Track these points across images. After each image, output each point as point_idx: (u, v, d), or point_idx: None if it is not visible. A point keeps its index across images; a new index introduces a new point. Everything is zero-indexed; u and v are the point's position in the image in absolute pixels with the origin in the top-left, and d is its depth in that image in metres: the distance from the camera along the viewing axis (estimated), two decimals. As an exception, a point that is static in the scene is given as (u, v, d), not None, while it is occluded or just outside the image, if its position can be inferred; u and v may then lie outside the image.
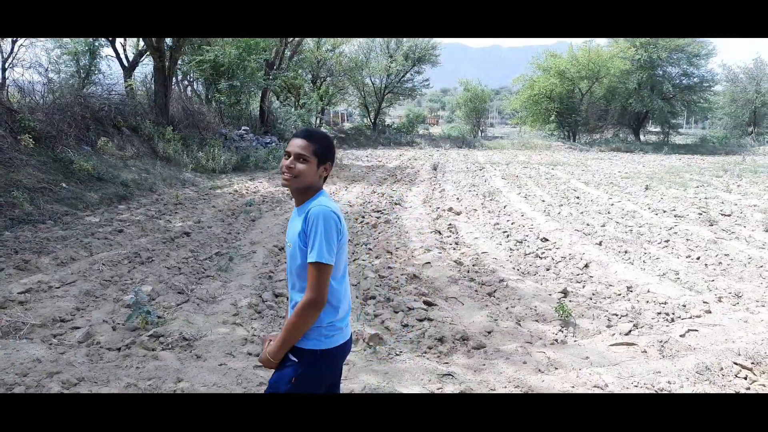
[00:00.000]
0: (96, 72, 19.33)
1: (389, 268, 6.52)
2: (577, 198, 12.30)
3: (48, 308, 4.79)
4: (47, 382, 3.47)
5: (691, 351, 4.24)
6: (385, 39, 36.27)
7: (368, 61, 35.57)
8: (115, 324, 4.60)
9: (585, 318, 5.11)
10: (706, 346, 4.33)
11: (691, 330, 4.69)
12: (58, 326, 4.51)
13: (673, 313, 5.16)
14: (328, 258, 1.98)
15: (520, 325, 4.93)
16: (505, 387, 3.68)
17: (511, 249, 7.76)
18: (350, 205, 10.98)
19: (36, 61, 18.79)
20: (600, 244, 7.85)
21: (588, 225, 9.15)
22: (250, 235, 8.19)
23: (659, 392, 3.56)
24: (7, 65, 17.67)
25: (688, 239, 8.03)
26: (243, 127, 20.49)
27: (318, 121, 30.18)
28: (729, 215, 9.83)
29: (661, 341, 4.37)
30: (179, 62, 18.60)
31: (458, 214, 10.46)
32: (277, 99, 28.93)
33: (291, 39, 24.24)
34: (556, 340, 4.62)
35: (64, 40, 19.35)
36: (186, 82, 24.42)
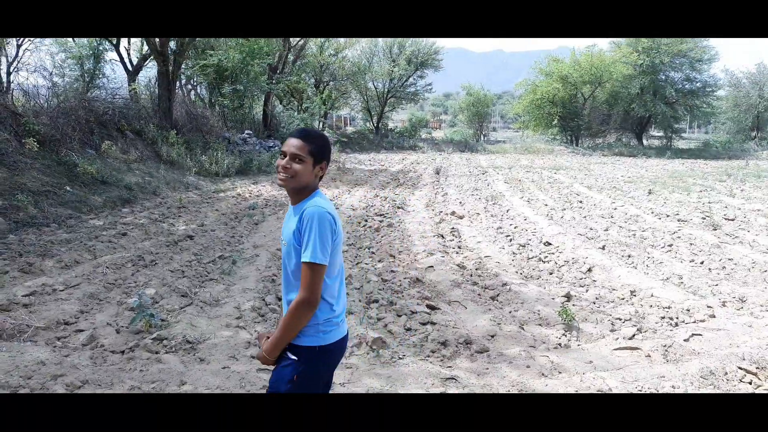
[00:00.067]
0: (100, 76, 19.46)
1: (392, 271, 6.52)
2: (580, 202, 12.29)
3: (52, 311, 4.80)
4: (51, 384, 3.48)
5: (696, 355, 4.23)
6: (388, 43, 36.41)
7: (371, 66, 35.69)
8: (119, 327, 4.60)
9: (588, 322, 5.10)
10: (711, 351, 4.32)
11: (696, 334, 4.67)
12: (62, 329, 4.52)
13: (677, 318, 5.14)
14: (322, 258, 1.99)
15: (523, 329, 4.92)
16: (508, 391, 3.67)
17: (514, 253, 7.75)
18: (353, 209, 10.99)
19: (41, 65, 18.92)
20: (603, 248, 7.83)
21: (591, 229, 9.14)
22: (253, 238, 8.20)
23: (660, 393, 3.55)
24: (12, 69, 17.80)
25: (691, 243, 8.02)
26: (246, 131, 20.55)
27: (321, 125, 30.24)
28: (733, 219, 9.80)
29: (665, 345, 4.36)
30: (183, 66, 18.69)
31: (461, 218, 10.46)
32: (280, 103, 29.02)
33: (294, 43, 24.34)
34: (560, 344, 4.61)
35: (69, 44, 19.49)
36: (189, 86, 24.55)
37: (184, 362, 4.01)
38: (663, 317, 5.18)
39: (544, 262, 7.30)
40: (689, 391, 3.60)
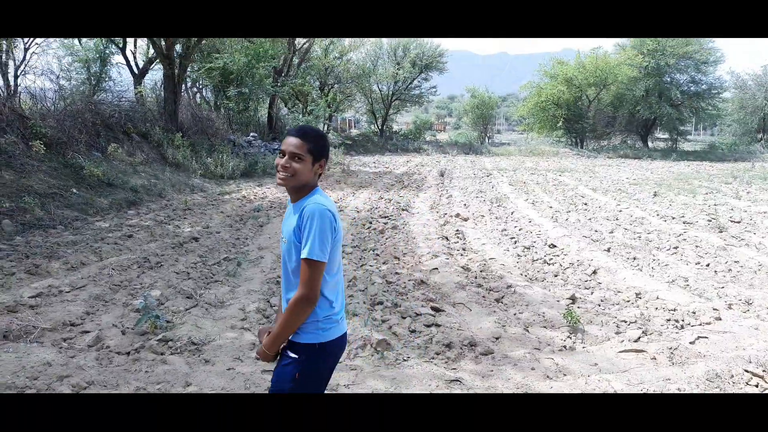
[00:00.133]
0: (106, 79, 19.56)
1: (396, 273, 6.52)
2: (585, 204, 12.26)
3: (58, 312, 4.83)
4: (57, 385, 3.50)
5: (701, 358, 4.21)
6: (393, 46, 36.45)
7: (375, 68, 35.71)
8: (125, 328, 4.63)
9: (593, 324, 5.09)
10: (717, 354, 4.30)
11: (701, 337, 4.65)
12: (68, 330, 4.55)
13: (683, 320, 5.12)
14: (321, 255, 2.00)
15: (528, 331, 4.91)
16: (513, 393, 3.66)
17: (518, 255, 7.74)
18: (357, 211, 11.00)
19: (47, 69, 19.05)
20: (608, 250, 7.81)
21: (596, 231, 9.12)
22: (258, 240, 8.22)
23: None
24: (19, 72, 17.91)
25: (697, 246, 7.98)
26: (251, 134, 20.63)
27: (326, 128, 30.29)
28: (739, 222, 9.76)
29: (670, 348, 4.34)
30: (188, 69, 18.79)
31: (465, 220, 10.45)
32: (285, 106, 29.11)
33: (299, 46, 24.42)
34: (565, 347, 4.60)
35: (76, 47, 19.61)
36: (195, 89, 24.65)
37: (190, 363, 4.02)
38: (668, 320, 5.16)
39: (548, 264, 7.29)
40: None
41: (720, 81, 37.14)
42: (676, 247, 7.92)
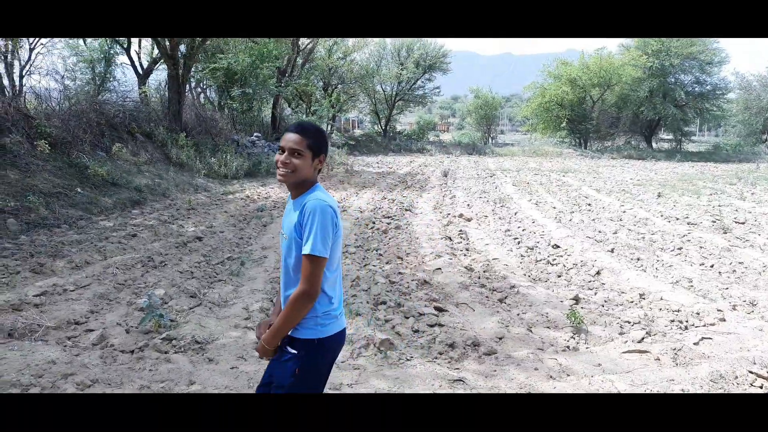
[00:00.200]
0: (111, 79, 19.63)
1: (400, 273, 6.53)
2: (589, 205, 12.23)
3: (63, 311, 4.84)
4: (62, 383, 3.52)
5: (705, 359, 4.20)
6: (396, 46, 36.48)
7: (379, 69, 35.74)
8: (129, 327, 4.64)
9: (597, 325, 5.08)
10: (721, 355, 4.28)
11: (705, 338, 4.64)
12: (72, 329, 4.57)
13: (687, 321, 5.11)
14: (322, 251, 2.01)
15: (531, 331, 4.90)
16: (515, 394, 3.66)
17: (522, 255, 7.73)
18: (361, 211, 11.01)
19: (52, 69, 19.17)
20: (612, 251, 7.79)
21: (600, 232, 9.10)
22: (262, 240, 8.24)
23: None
24: (24, 72, 18.00)
25: (701, 247, 7.95)
26: (255, 134, 20.66)
27: (329, 128, 30.33)
28: (743, 223, 9.72)
29: (674, 349, 4.33)
30: (193, 70, 18.83)
31: (469, 220, 10.44)
32: (289, 106, 29.14)
33: (303, 47, 24.44)
34: (568, 347, 4.59)
35: (80, 48, 19.69)
36: (199, 89, 24.72)
37: (193, 362, 4.04)
38: (672, 320, 5.14)
39: (552, 264, 7.28)
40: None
41: (725, 82, 37.06)
42: (680, 248, 7.90)
